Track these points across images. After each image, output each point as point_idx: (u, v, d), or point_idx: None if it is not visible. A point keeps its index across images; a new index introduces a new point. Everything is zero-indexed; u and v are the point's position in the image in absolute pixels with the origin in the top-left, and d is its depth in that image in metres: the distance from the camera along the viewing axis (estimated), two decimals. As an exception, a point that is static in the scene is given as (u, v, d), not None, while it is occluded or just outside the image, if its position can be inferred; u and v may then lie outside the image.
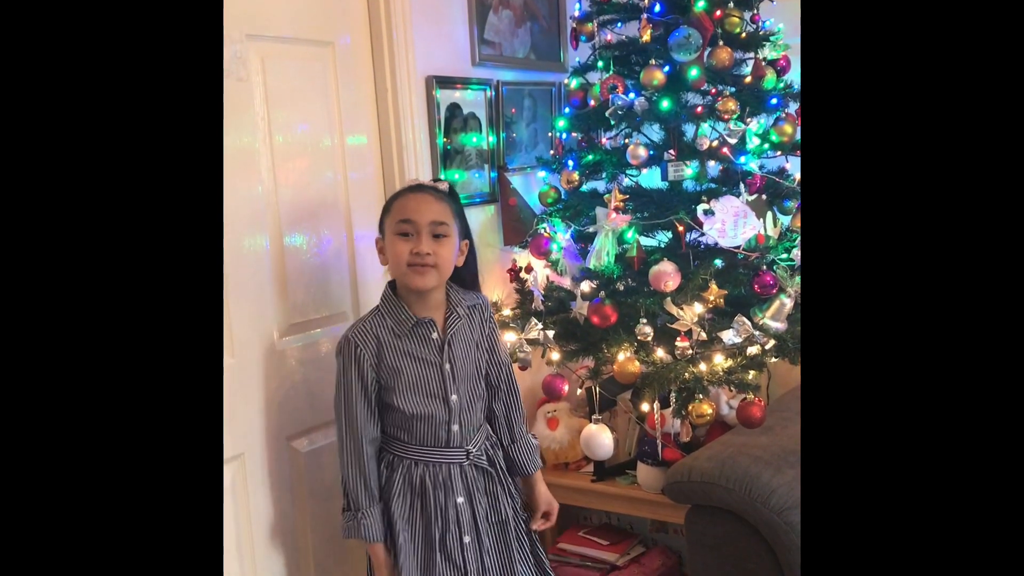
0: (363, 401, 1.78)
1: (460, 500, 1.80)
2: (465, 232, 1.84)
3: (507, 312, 2.45)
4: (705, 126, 2.20)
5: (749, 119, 2.19)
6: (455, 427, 1.81)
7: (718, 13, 2.20)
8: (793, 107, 2.32)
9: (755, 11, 2.32)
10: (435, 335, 1.80)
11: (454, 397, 1.81)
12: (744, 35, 2.27)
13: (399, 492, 1.79)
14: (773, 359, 2.23)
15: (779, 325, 2.12)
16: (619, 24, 2.38)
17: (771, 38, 2.32)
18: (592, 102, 2.30)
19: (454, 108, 2.45)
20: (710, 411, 2.12)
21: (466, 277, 1.89)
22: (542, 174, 2.52)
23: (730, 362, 2.13)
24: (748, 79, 2.25)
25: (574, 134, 2.43)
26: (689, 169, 2.20)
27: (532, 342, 2.29)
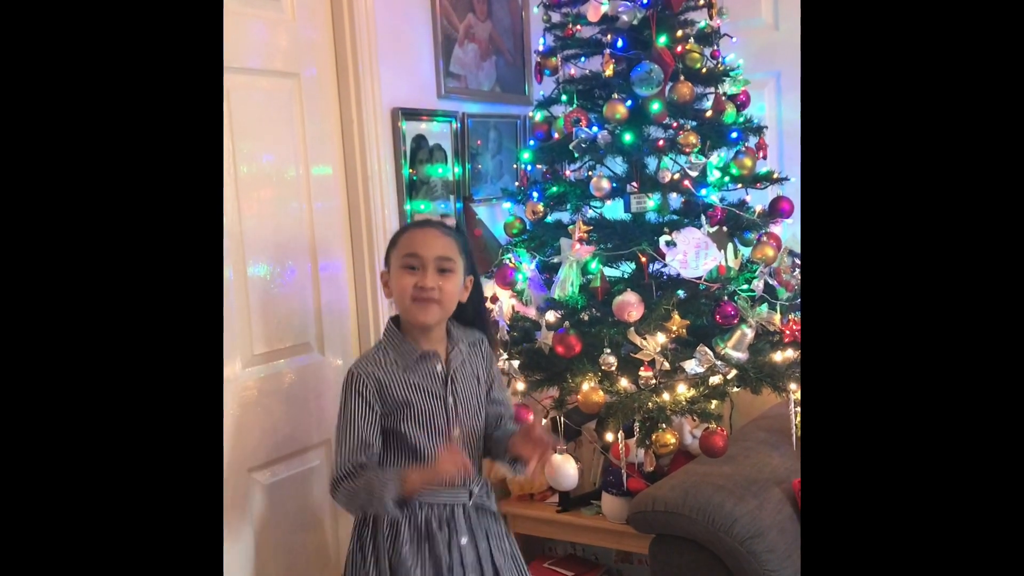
0: (367, 429, 1.72)
1: (463, 541, 1.77)
2: (471, 268, 1.83)
3: (472, 342, 2.45)
4: (667, 159, 2.23)
5: (710, 152, 2.23)
6: None
7: (679, 49, 2.24)
8: (753, 141, 2.37)
9: (715, 47, 2.37)
10: (439, 367, 1.79)
11: (456, 432, 1.78)
12: (704, 70, 2.32)
13: (408, 538, 1.74)
14: (735, 389, 2.25)
15: (740, 355, 2.15)
16: (582, 59, 2.42)
17: (731, 73, 2.37)
18: (556, 135, 2.33)
19: (420, 139, 2.47)
20: (673, 441, 2.13)
21: (470, 312, 1.88)
22: (507, 205, 2.54)
23: (693, 392, 2.14)
24: (709, 113, 2.29)
25: (539, 166, 2.45)
26: (651, 201, 2.23)
27: (497, 372, 2.30)
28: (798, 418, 2.29)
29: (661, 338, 2.12)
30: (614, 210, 2.40)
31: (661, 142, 2.22)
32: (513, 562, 1.87)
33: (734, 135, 2.30)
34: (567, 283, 2.19)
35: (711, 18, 2.35)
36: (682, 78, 2.22)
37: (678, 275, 2.18)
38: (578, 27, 2.36)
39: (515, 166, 2.79)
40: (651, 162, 2.32)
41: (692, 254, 2.11)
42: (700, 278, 2.16)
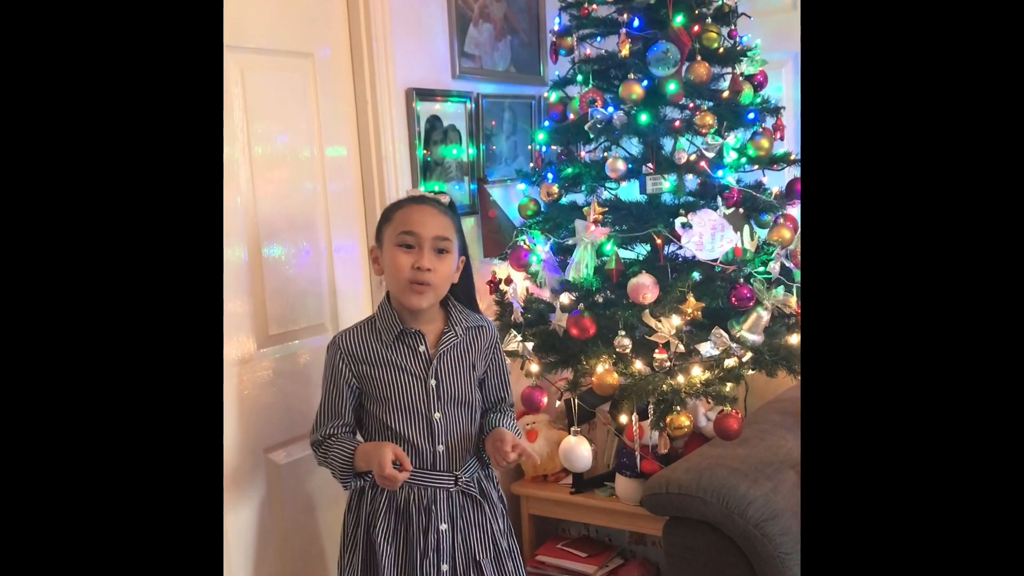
0: (339, 401, 1.77)
1: (443, 527, 1.73)
2: (463, 248, 1.80)
3: (486, 324, 2.45)
4: (683, 140, 2.22)
5: (726, 133, 2.21)
6: (440, 448, 1.75)
7: (696, 28, 2.22)
8: (770, 122, 2.34)
9: (732, 27, 2.34)
10: (423, 348, 1.76)
11: (437, 415, 1.75)
12: (722, 50, 2.29)
13: (383, 514, 1.73)
14: (750, 371, 2.24)
15: (756, 338, 2.14)
16: (598, 38, 2.40)
17: (748, 53, 2.34)
18: (571, 115, 2.31)
19: (434, 120, 2.46)
20: (688, 423, 2.13)
21: (460, 294, 1.84)
22: (522, 186, 2.53)
23: (707, 374, 2.14)
24: (725, 94, 2.27)
25: (553, 147, 2.44)
26: (667, 183, 2.22)
27: (511, 354, 2.30)
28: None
29: (676, 320, 2.11)
30: (629, 191, 2.38)
31: (677, 123, 2.20)
32: (495, 565, 1.79)
33: (751, 116, 2.28)
34: (582, 265, 2.18)
35: (728, -3, 2.33)
36: (699, 58, 2.20)
37: (693, 257, 2.17)
38: (594, 6, 2.34)
39: (530, 147, 2.78)
40: (667, 143, 2.30)
41: (708, 236, 2.10)
42: (716, 260, 2.15)
